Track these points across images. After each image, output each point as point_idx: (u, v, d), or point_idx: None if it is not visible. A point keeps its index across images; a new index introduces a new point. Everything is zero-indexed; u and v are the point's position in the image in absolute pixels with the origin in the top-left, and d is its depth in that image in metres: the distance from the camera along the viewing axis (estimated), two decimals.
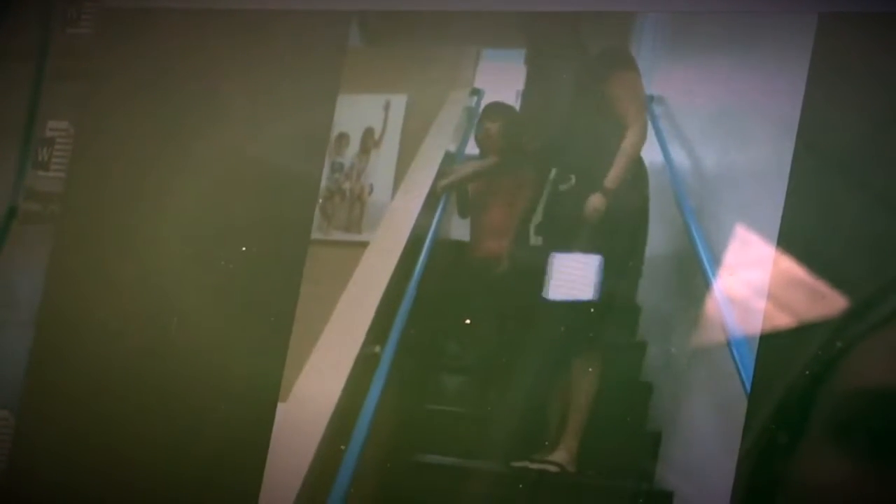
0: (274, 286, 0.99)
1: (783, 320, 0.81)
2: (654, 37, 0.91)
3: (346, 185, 0.99)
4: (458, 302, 0.96)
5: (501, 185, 0.98)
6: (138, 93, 1.07)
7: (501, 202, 0.97)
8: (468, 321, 0.95)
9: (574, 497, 0.89)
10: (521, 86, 0.96)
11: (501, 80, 0.97)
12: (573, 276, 0.90)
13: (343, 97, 1.00)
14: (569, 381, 0.91)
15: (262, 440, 0.97)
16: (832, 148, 0.82)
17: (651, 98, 0.90)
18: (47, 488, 1.05)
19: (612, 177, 0.90)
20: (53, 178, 1.10)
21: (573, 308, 0.90)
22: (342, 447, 0.94)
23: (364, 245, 0.98)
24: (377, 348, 0.95)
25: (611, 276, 0.90)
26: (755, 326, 0.82)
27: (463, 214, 0.98)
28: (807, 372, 0.72)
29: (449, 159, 0.98)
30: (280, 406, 0.97)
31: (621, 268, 0.90)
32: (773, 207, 0.82)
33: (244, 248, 1.01)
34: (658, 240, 0.90)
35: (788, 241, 0.82)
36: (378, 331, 0.95)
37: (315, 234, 0.99)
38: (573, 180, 0.93)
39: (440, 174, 0.98)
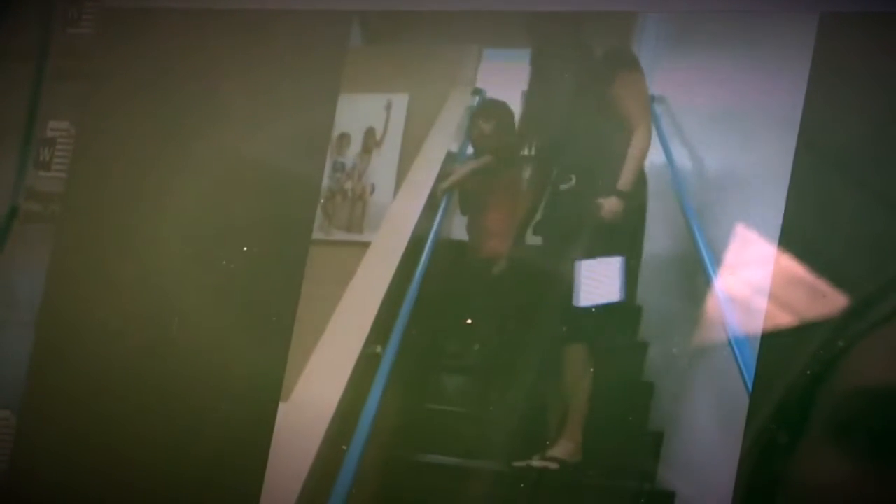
0: (275, 286, 0.99)
1: (784, 320, 0.81)
2: (655, 36, 0.91)
3: (348, 185, 0.99)
4: (459, 302, 0.96)
5: (498, 184, 0.98)
6: (139, 93, 1.07)
7: (499, 202, 0.97)
8: (469, 321, 0.95)
9: (575, 497, 0.89)
10: (523, 85, 0.95)
11: (503, 79, 0.97)
12: (600, 281, 0.90)
13: (344, 97, 0.99)
14: (569, 380, 0.91)
15: (263, 440, 0.97)
16: (833, 147, 0.82)
17: (652, 98, 0.90)
18: (48, 488, 1.05)
19: (625, 180, 0.90)
20: (54, 178, 1.10)
21: (574, 308, 0.90)
22: (343, 447, 0.94)
23: (366, 245, 0.98)
24: (378, 348, 0.95)
25: None
26: (756, 326, 0.82)
27: (465, 212, 0.98)
28: (808, 371, 0.72)
29: (451, 159, 0.98)
30: (281, 406, 0.97)
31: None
32: (775, 207, 0.82)
33: (245, 248, 1.01)
34: (659, 239, 0.90)
35: (789, 240, 0.82)
36: (379, 331, 0.95)
37: (316, 234, 0.99)
38: (573, 180, 0.93)
39: (441, 175, 0.98)
